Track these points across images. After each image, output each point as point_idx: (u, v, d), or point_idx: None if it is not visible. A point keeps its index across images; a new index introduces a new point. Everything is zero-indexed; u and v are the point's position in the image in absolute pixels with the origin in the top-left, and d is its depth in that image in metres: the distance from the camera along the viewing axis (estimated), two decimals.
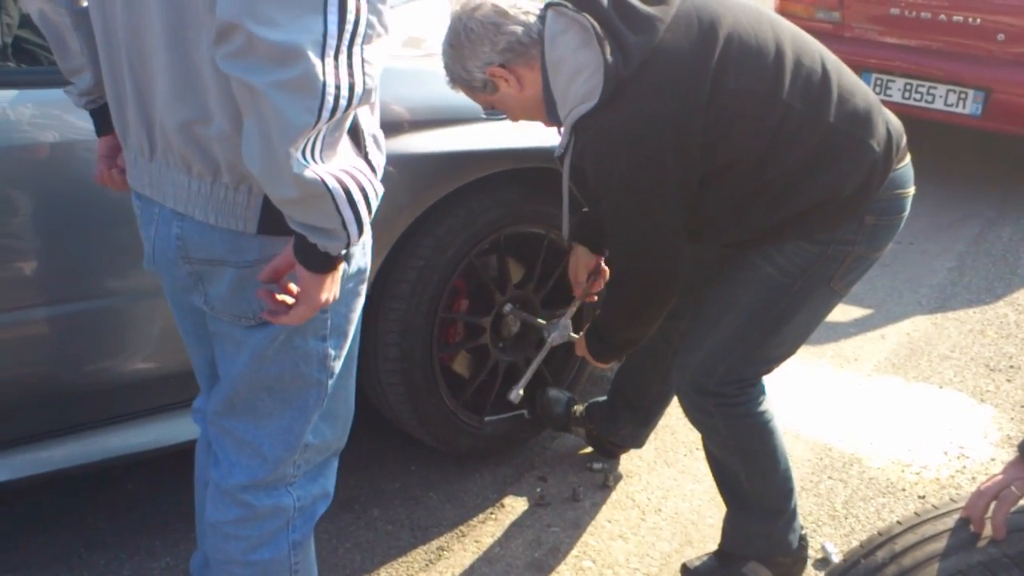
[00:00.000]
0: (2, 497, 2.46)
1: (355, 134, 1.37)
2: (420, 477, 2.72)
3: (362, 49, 1.20)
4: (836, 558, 2.45)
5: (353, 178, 1.26)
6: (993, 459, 2.89)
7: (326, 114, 1.18)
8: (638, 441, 2.76)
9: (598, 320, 2.19)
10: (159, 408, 2.29)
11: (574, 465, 2.81)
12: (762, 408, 2.17)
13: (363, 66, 1.21)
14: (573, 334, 2.46)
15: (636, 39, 1.80)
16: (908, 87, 5.23)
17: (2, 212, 1.94)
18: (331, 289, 1.38)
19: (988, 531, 1.44)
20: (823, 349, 3.56)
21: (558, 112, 1.91)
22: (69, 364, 2.13)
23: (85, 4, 1.53)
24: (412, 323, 2.42)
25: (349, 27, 1.17)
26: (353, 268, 1.51)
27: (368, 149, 1.41)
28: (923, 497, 2.71)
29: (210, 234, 1.43)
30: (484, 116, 2.40)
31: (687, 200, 1.90)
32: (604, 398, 2.73)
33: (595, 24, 1.81)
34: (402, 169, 2.21)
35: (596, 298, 2.44)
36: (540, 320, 2.62)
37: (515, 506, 2.62)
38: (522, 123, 2.42)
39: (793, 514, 2.26)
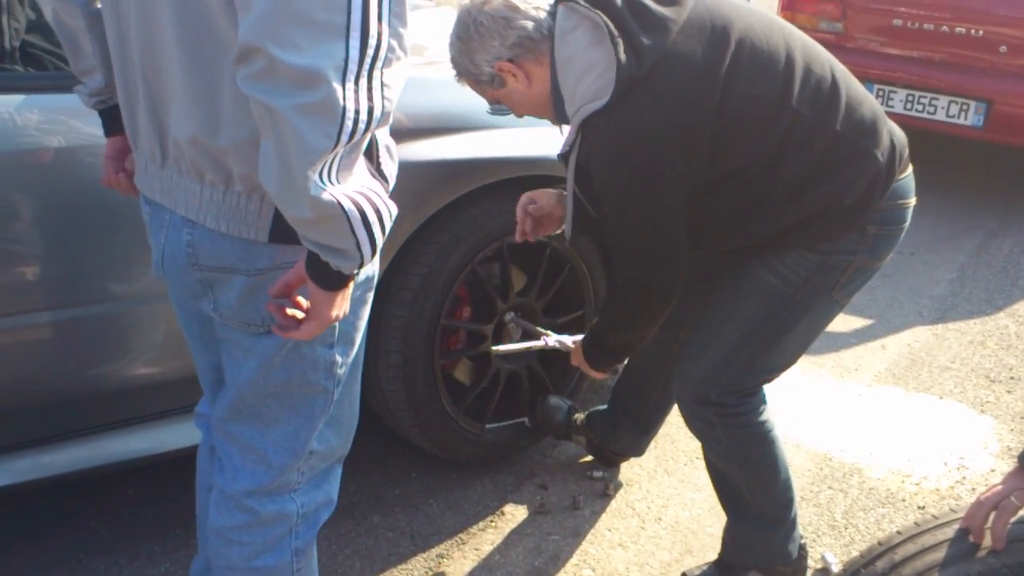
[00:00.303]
0: (3, 501, 2.46)
1: (368, 145, 1.38)
2: (420, 484, 2.73)
3: (382, 73, 1.21)
4: (836, 568, 2.45)
5: (369, 200, 1.26)
6: (993, 470, 2.89)
7: (345, 137, 1.18)
8: (638, 450, 2.76)
9: (595, 325, 2.19)
10: (160, 413, 2.29)
11: (574, 473, 2.81)
12: (763, 418, 2.17)
13: (382, 90, 1.21)
14: (570, 343, 2.46)
15: (649, 40, 1.79)
16: (910, 98, 5.24)
17: (6, 216, 1.94)
18: (341, 306, 1.39)
19: (988, 541, 1.44)
20: (824, 359, 3.56)
21: (566, 109, 1.90)
22: (70, 369, 2.13)
23: (99, 6, 1.54)
24: (414, 330, 2.42)
25: (370, 52, 1.18)
26: (361, 276, 1.51)
27: (381, 159, 1.42)
28: (923, 507, 2.71)
29: (221, 242, 1.43)
30: (487, 124, 2.41)
31: (692, 204, 1.89)
32: (605, 406, 2.73)
33: (608, 22, 1.80)
34: (405, 177, 2.19)
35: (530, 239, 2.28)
36: (540, 329, 2.62)
37: (515, 514, 2.62)
38: (526, 132, 2.44)
39: (793, 524, 2.26)
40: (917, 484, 2.82)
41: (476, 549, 2.48)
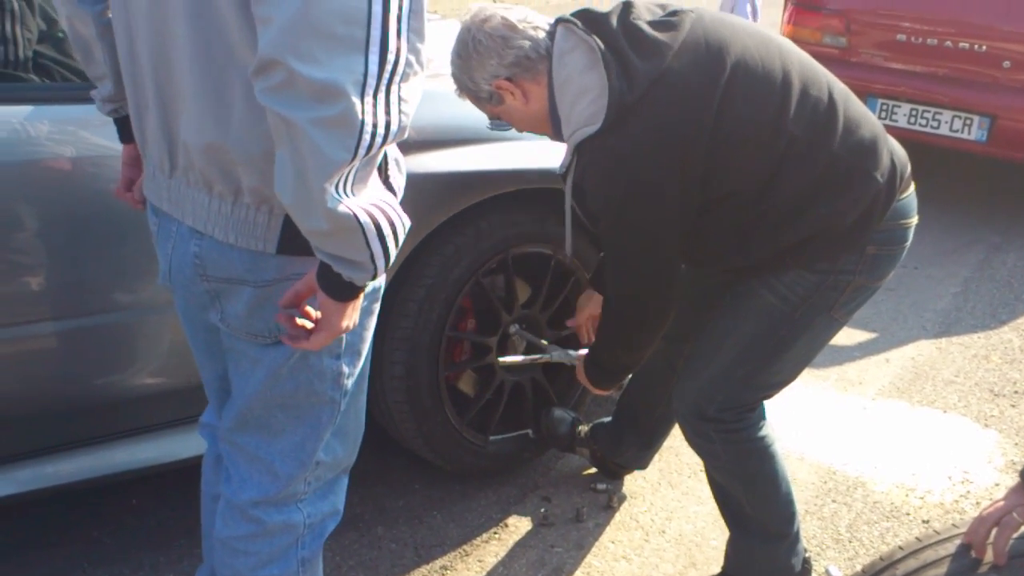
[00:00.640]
0: (8, 511, 2.46)
1: None
2: (424, 496, 2.73)
3: (400, 87, 1.22)
4: None
5: (383, 212, 1.27)
6: (997, 484, 2.89)
7: (362, 151, 1.19)
8: (642, 462, 2.76)
9: (593, 346, 2.21)
10: (165, 423, 2.30)
11: (578, 485, 2.81)
12: (762, 433, 2.17)
13: (400, 104, 1.22)
14: (574, 358, 2.47)
15: (643, 65, 1.80)
16: (914, 112, 5.26)
17: (15, 225, 1.96)
18: (352, 316, 1.39)
19: (990, 557, 1.44)
20: (827, 372, 3.56)
21: (562, 129, 1.92)
22: (76, 378, 2.14)
23: (111, 16, 1.55)
24: (419, 341, 2.43)
25: (389, 67, 1.19)
26: (369, 287, 1.51)
27: (390, 171, 1.43)
28: (927, 521, 2.71)
29: (229, 253, 1.44)
30: (491, 136, 2.42)
31: (684, 226, 1.90)
32: (609, 419, 2.74)
33: (602, 46, 1.82)
34: (410, 189, 2.20)
35: None
36: (544, 342, 2.63)
37: (519, 526, 2.62)
38: (529, 145, 2.46)
39: (796, 538, 2.26)
40: (921, 498, 2.82)
41: (480, 561, 2.48)
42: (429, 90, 2.36)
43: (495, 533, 2.59)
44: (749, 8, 7.03)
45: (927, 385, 3.51)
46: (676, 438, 2.88)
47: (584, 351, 2.33)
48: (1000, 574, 1.43)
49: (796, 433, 3.12)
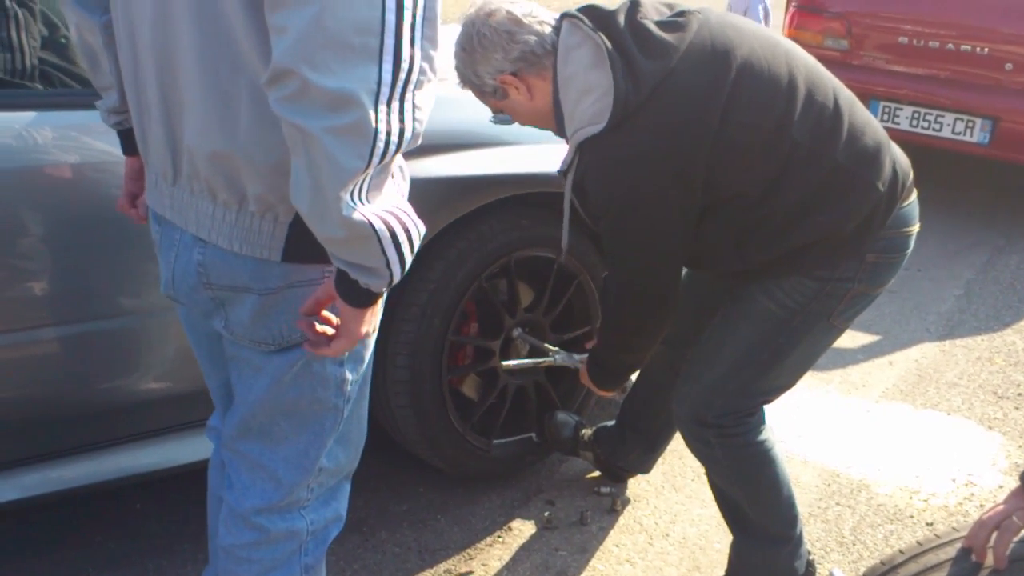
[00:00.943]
0: (11, 516, 2.47)
1: None
2: (428, 500, 2.73)
3: (413, 95, 1.22)
4: None
5: (399, 219, 1.28)
6: (1001, 486, 2.89)
7: (376, 159, 1.20)
8: (646, 466, 2.76)
9: (595, 346, 2.20)
10: (168, 428, 2.30)
11: (582, 489, 2.81)
12: (762, 438, 2.16)
13: (413, 112, 1.23)
14: (578, 362, 2.47)
15: (649, 65, 1.79)
16: (916, 115, 5.26)
17: (19, 231, 1.96)
18: (371, 322, 1.41)
19: (990, 560, 1.44)
20: (831, 375, 3.56)
21: (565, 126, 1.91)
22: (77, 384, 2.14)
23: None
24: (422, 346, 2.43)
25: (403, 75, 1.19)
26: None
27: (394, 177, 1.43)
28: (931, 524, 2.71)
29: (233, 261, 1.44)
30: (494, 141, 2.43)
31: (687, 228, 1.89)
32: (612, 422, 2.74)
33: (609, 45, 1.80)
34: (413, 193, 2.21)
35: None
36: (547, 346, 2.63)
37: (523, 529, 2.62)
38: (532, 149, 2.46)
39: (799, 541, 2.26)
40: (925, 500, 2.82)
41: (484, 565, 2.48)
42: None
43: (499, 536, 2.59)
44: (761, 10, 6.97)
45: (931, 388, 3.51)
46: (679, 441, 2.86)
47: (586, 355, 2.33)
48: None
49: (800, 436, 3.12)
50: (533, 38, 1.86)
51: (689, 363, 2.19)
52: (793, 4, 5.75)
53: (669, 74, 1.80)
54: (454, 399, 2.60)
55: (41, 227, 2.00)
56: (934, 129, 5.22)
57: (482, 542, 2.57)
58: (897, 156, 2.02)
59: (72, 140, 1.99)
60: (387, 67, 1.17)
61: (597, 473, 2.84)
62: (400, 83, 1.19)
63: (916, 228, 2.05)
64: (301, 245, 1.38)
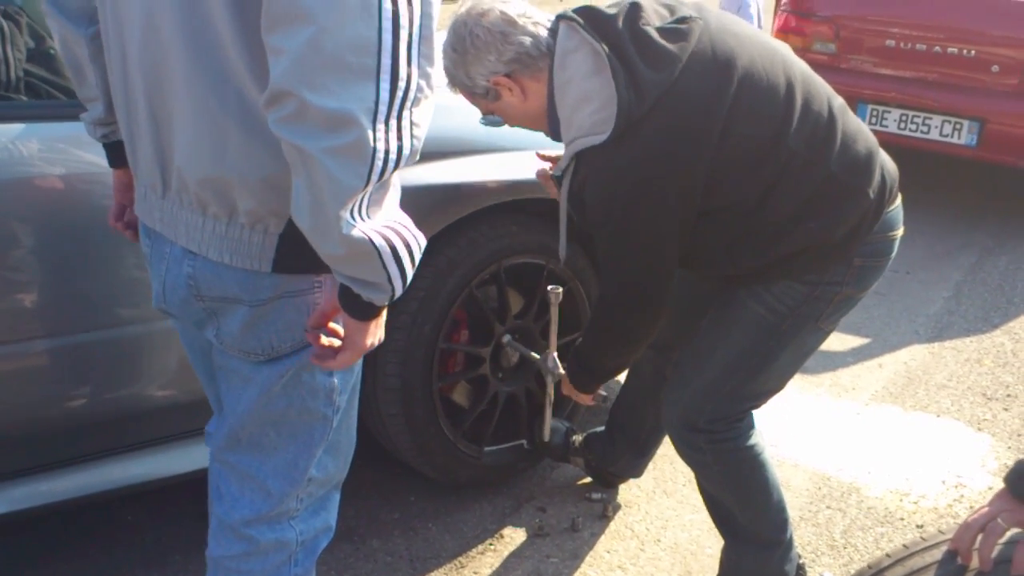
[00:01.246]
0: (3, 529, 2.46)
1: None
2: (419, 508, 2.73)
3: (411, 113, 1.22)
4: None
5: (399, 234, 1.28)
6: (991, 487, 2.90)
7: (375, 176, 1.20)
8: (636, 471, 2.77)
9: (580, 346, 2.18)
10: (162, 438, 2.30)
11: (573, 495, 2.81)
12: (752, 442, 2.17)
13: (411, 129, 1.23)
14: (560, 375, 2.47)
15: (652, 76, 1.76)
16: (904, 118, 5.28)
17: (10, 243, 1.96)
18: (375, 334, 1.42)
19: (976, 563, 1.45)
20: (821, 378, 3.57)
21: (560, 132, 1.88)
22: (67, 396, 2.13)
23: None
24: (412, 354, 2.43)
25: (400, 93, 1.19)
26: None
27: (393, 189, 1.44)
28: (921, 526, 2.72)
29: (224, 273, 1.44)
30: (484, 148, 2.43)
31: (683, 236, 1.89)
32: (602, 428, 2.74)
33: (608, 51, 1.76)
34: (403, 201, 2.21)
35: None
36: (534, 355, 2.63)
37: (514, 537, 2.63)
38: (522, 156, 2.46)
39: (789, 545, 2.27)
40: (915, 503, 2.83)
41: (475, 573, 2.48)
42: None
43: (490, 544, 2.59)
44: (754, 11, 6.91)
45: (920, 390, 3.52)
46: (670, 447, 2.86)
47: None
48: None
49: (790, 440, 3.13)
50: (528, 39, 1.83)
51: (678, 368, 2.20)
52: (781, 8, 5.77)
53: (672, 84, 1.77)
54: (445, 407, 2.60)
55: (30, 239, 1.99)
56: (922, 131, 5.25)
57: (474, 550, 2.57)
58: (885, 162, 2.02)
59: (59, 152, 1.98)
60: (384, 86, 1.18)
61: (588, 479, 2.84)
62: (398, 101, 1.20)
63: (901, 232, 2.06)
64: (291, 256, 1.38)
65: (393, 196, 1.31)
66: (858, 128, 1.97)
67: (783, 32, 5.65)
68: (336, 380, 1.56)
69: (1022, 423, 3.30)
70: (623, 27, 1.80)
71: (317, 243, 1.27)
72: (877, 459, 3.05)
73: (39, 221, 1.99)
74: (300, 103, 1.15)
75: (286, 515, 1.64)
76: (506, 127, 2.04)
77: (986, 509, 1.46)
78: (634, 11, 1.83)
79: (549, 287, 2.47)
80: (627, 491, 2.83)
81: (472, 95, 1.93)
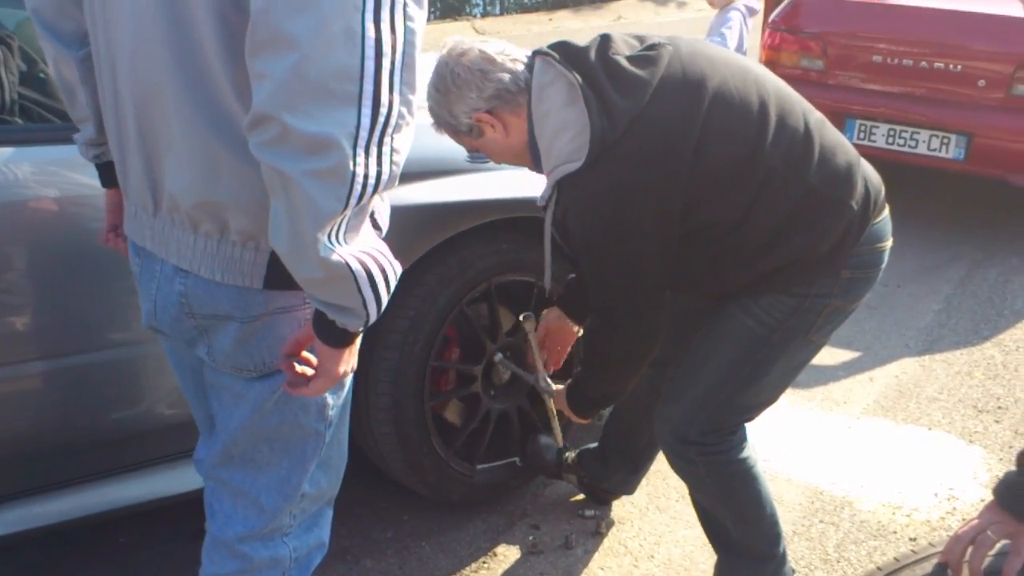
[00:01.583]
0: None
1: None
2: (412, 527, 2.73)
3: (392, 139, 1.24)
4: None
5: (375, 260, 1.29)
6: (983, 500, 2.91)
7: (354, 201, 1.21)
8: (629, 487, 2.77)
9: (577, 375, 2.21)
10: (155, 460, 2.30)
11: (566, 512, 2.81)
12: (744, 455, 2.18)
13: (391, 155, 1.24)
14: (554, 388, 2.47)
15: (623, 102, 1.81)
16: (892, 133, 5.31)
17: (3, 266, 1.97)
18: (348, 362, 1.42)
19: (966, 575, 1.46)
20: (812, 392, 3.58)
21: (542, 162, 1.92)
22: (67, 416, 2.14)
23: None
24: (404, 372, 2.44)
25: (381, 119, 1.21)
26: None
27: (375, 206, 1.45)
28: (914, 539, 2.72)
29: (215, 290, 1.45)
30: (472, 167, 2.45)
31: (667, 258, 1.92)
32: (595, 445, 2.75)
33: (581, 81, 1.82)
34: (392, 220, 2.22)
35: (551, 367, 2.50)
36: (523, 373, 2.63)
37: (508, 555, 2.62)
38: (511, 175, 2.48)
39: (783, 559, 2.27)
40: (908, 516, 2.84)
41: None
42: None
43: (484, 563, 2.59)
44: (736, 29, 6.88)
45: (911, 403, 3.54)
46: (663, 462, 2.87)
47: (562, 386, 2.34)
48: None
49: (782, 454, 3.14)
50: (507, 76, 1.88)
51: (671, 382, 2.21)
52: (769, 25, 5.81)
53: (643, 109, 1.82)
54: (437, 425, 2.61)
55: (22, 261, 2.00)
56: (910, 146, 5.28)
57: (468, 568, 2.57)
58: (868, 174, 2.04)
59: (52, 175, 1.99)
60: (366, 112, 1.19)
61: (581, 496, 2.84)
62: (379, 128, 1.21)
63: (889, 243, 2.08)
64: (282, 272, 1.39)
65: (368, 225, 1.32)
66: (837, 142, 2.00)
67: (771, 49, 5.69)
68: (328, 396, 1.57)
69: (1013, 435, 3.31)
70: (595, 58, 1.86)
71: (294, 266, 1.28)
72: (869, 472, 3.05)
73: (32, 243, 1.99)
74: (282, 127, 1.16)
75: (280, 531, 1.65)
76: None
77: (976, 521, 1.48)
78: (605, 43, 1.91)
79: (521, 316, 2.49)
80: (620, 507, 2.83)
81: (456, 133, 1.98)
